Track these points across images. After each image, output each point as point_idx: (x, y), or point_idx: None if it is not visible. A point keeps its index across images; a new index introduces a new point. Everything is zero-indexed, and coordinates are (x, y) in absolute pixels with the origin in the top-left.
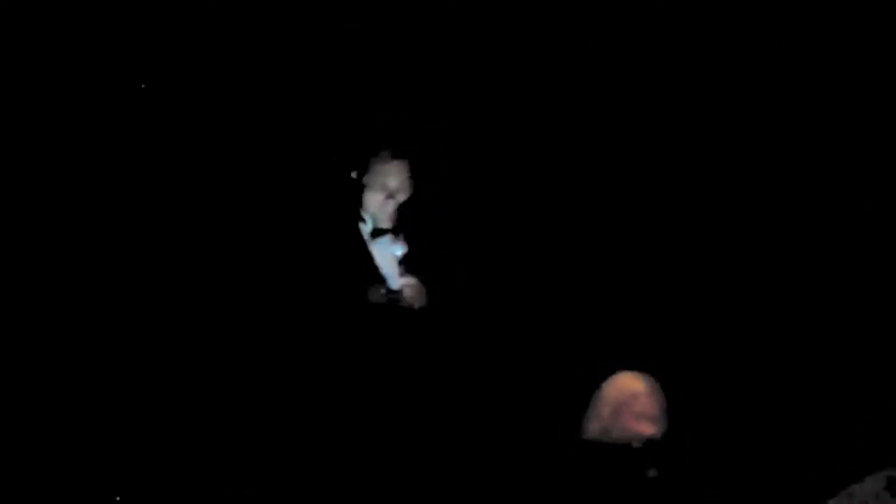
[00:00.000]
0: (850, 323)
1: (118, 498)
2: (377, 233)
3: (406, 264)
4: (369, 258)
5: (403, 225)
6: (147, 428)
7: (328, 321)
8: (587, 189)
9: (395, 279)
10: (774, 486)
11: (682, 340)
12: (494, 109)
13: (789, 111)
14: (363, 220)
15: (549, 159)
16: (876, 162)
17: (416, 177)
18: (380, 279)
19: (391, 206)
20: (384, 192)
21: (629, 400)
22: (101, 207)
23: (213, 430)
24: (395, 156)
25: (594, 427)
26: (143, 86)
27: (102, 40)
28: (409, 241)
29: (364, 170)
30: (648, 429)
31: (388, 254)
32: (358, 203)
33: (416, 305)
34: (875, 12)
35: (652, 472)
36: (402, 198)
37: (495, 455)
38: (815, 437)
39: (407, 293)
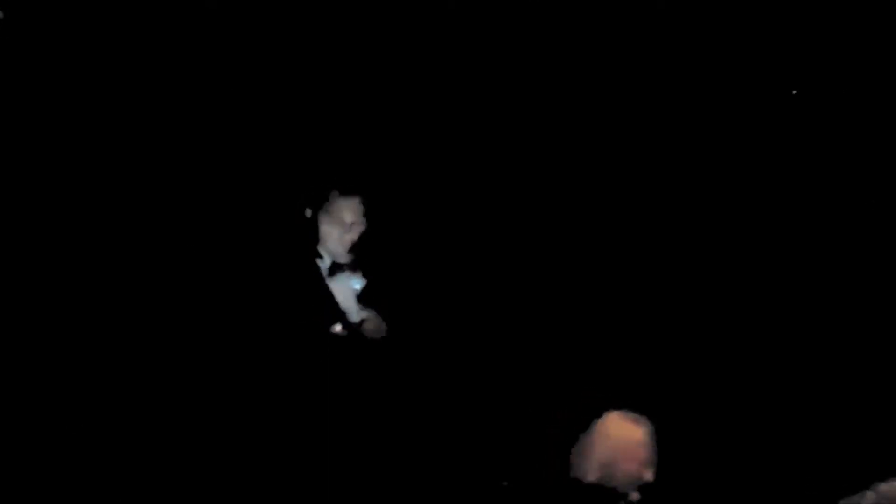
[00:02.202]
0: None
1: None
2: (335, 268)
3: (365, 298)
4: (328, 294)
5: (361, 259)
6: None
7: (289, 357)
8: (553, 218)
9: (355, 313)
10: None
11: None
12: (453, 143)
13: (789, 111)
14: (320, 257)
15: (510, 192)
16: (876, 162)
17: (373, 211)
18: (339, 314)
19: (348, 241)
20: (340, 227)
21: (630, 446)
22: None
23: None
24: (350, 191)
25: (592, 470)
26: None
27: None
28: (368, 275)
29: (319, 206)
30: (649, 475)
31: (346, 288)
32: (315, 240)
33: (377, 337)
34: (875, 12)
35: None
36: (358, 232)
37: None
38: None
39: (367, 326)
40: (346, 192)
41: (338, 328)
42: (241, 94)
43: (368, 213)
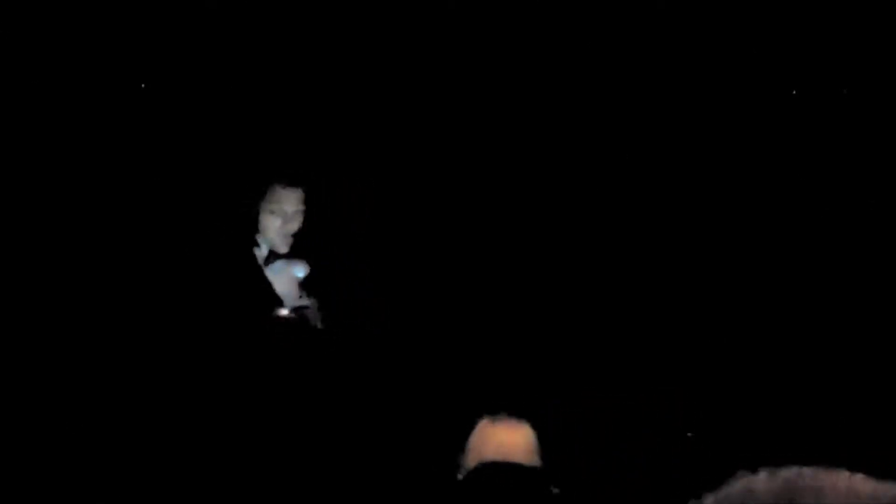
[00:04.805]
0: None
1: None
2: (272, 256)
3: (304, 286)
4: (265, 282)
5: (301, 248)
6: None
7: (227, 342)
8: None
9: (294, 300)
10: None
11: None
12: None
13: (789, 111)
14: (258, 246)
15: (449, 185)
16: (876, 162)
17: (312, 202)
18: (277, 301)
19: (288, 230)
20: (282, 217)
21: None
22: None
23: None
24: (291, 183)
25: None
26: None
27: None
28: (308, 264)
29: (260, 196)
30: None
31: (285, 276)
32: (253, 229)
33: (314, 324)
34: (875, 12)
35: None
36: (298, 222)
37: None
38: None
39: (305, 313)
40: (287, 182)
41: (284, 311)
42: (196, 87)
43: (308, 204)
